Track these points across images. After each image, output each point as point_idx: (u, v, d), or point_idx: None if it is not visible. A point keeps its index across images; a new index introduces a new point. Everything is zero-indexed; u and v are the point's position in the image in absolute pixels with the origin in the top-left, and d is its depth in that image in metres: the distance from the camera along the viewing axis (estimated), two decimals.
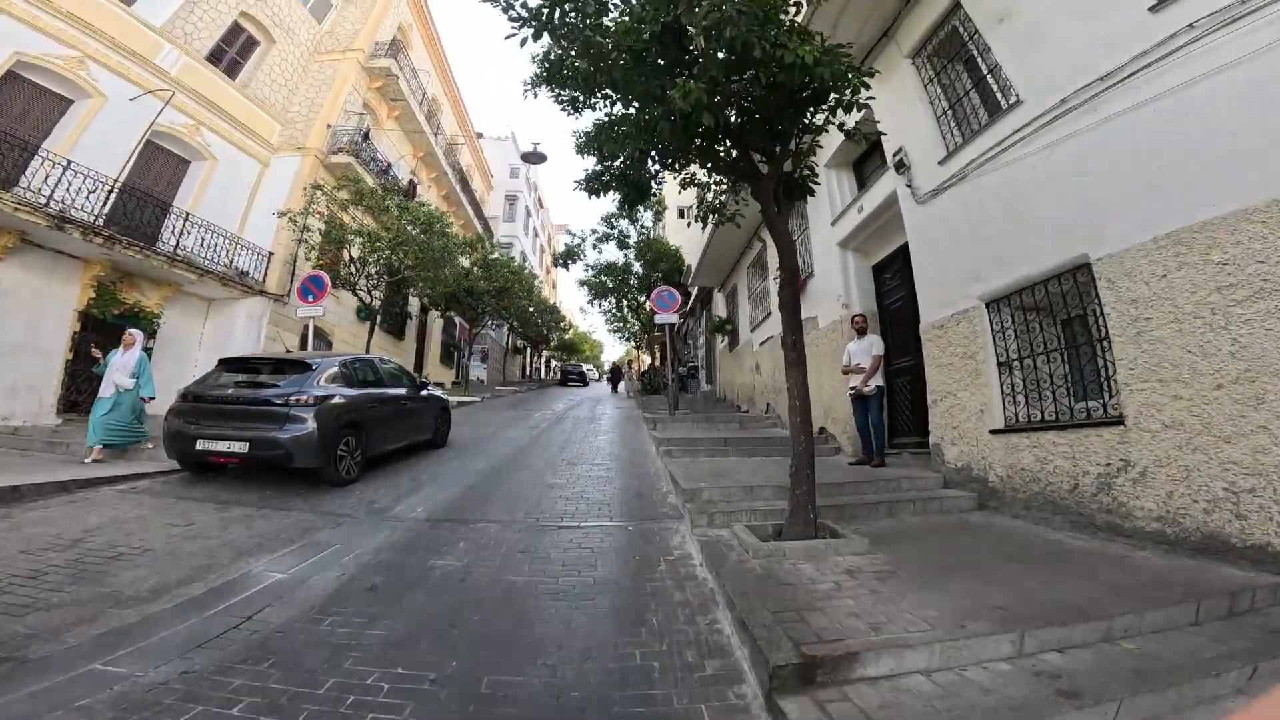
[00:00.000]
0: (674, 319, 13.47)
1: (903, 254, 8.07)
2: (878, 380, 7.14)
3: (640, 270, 20.87)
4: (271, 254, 13.39)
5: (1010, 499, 5.42)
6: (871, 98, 4.72)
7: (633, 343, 41.92)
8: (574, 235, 20.40)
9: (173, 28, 13.10)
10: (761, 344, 13.22)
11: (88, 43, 11.12)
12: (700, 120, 4.13)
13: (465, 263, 20.84)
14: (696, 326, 23.98)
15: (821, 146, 5.71)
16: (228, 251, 12.72)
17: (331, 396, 6.51)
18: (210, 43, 13.97)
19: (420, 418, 8.72)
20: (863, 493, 6.02)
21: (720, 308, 18.63)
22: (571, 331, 54.82)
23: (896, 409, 8.22)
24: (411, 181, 20.53)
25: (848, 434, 8.44)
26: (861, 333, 7.40)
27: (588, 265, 19.99)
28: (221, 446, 6.09)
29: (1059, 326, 5.19)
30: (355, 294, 12.97)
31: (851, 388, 7.33)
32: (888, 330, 8.51)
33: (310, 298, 10.98)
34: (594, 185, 7.11)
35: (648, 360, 44.74)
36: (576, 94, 6.96)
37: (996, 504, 5.57)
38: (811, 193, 5.49)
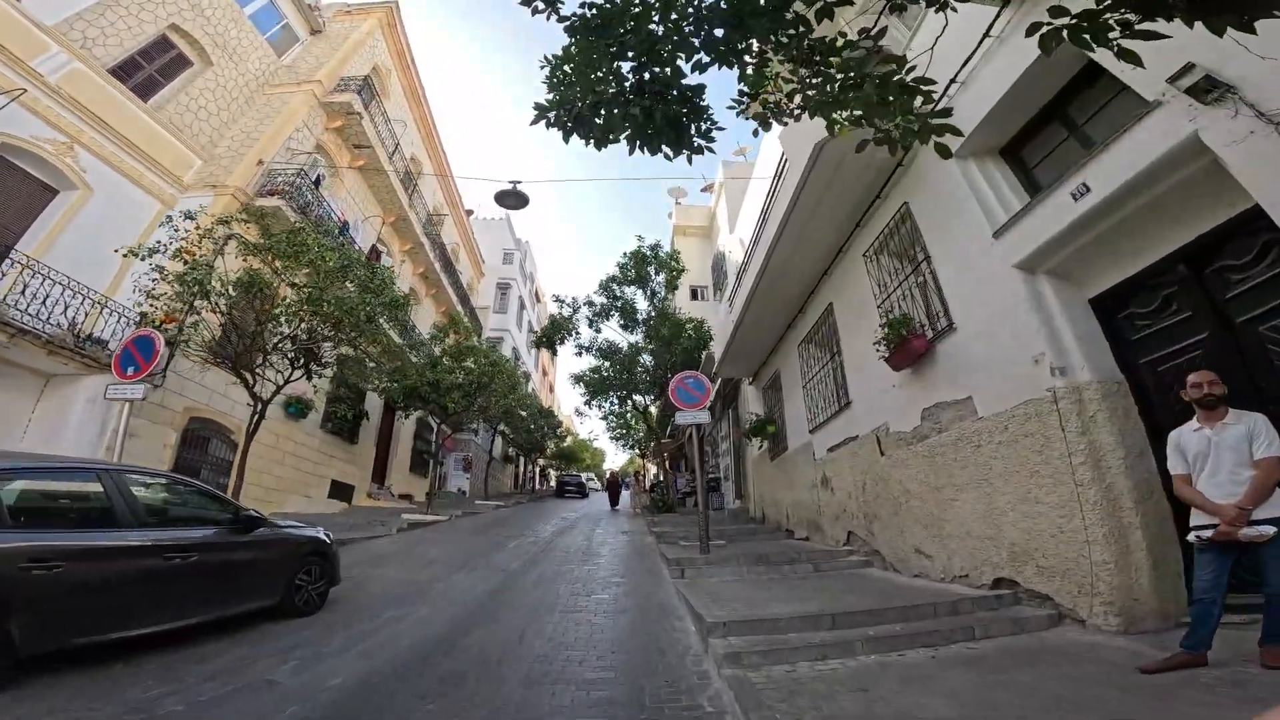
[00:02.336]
0: (704, 418, 9.47)
1: (1176, 264, 4.29)
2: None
3: (650, 361, 17.04)
4: (144, 315, 9.60)
5: None
6: None
7: (637, 450, 37.64)
8: (563, 303, 15.75)
9: (69, 28, 10.36)
10: (833, 449, 9.13)
11: None
12: None
13: (436, 350, 17.13)
14: (716, 429, 19.87)
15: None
16: (73, 310, 8.98)
17: None
18: (120, 54, 11.19)
19: (241, 574, 4.63)
20: None
21: (752, 404, 14.67)
22: (570, 439, 50.56)
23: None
24: (375, 248, 17.23)
25: (1100, 596, 4.24)
26: (1210, 409, 3.34)
27: (581, 346, 15.40)
28: None
29: None
30: (239, 374, 8.87)
31: (1203, 528, 3.23)
32: (1152, 408, 4.52)
33: (131, 370, 7.07)
34: (580, 112, 3.54)
35: (653, 470, 40.01)
36: None
37: None
38: None
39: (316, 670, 3.99)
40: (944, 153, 3.09)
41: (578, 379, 19.57)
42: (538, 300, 46.03)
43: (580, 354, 14.71)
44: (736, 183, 18.74)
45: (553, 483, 39.35)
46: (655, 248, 14.13)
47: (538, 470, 44.93)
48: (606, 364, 16.20)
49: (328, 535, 5.87)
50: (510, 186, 11.48)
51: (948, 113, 3.03)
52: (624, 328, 14.96)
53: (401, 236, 19.69)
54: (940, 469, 6.07)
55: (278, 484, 12.96)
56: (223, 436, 11.67)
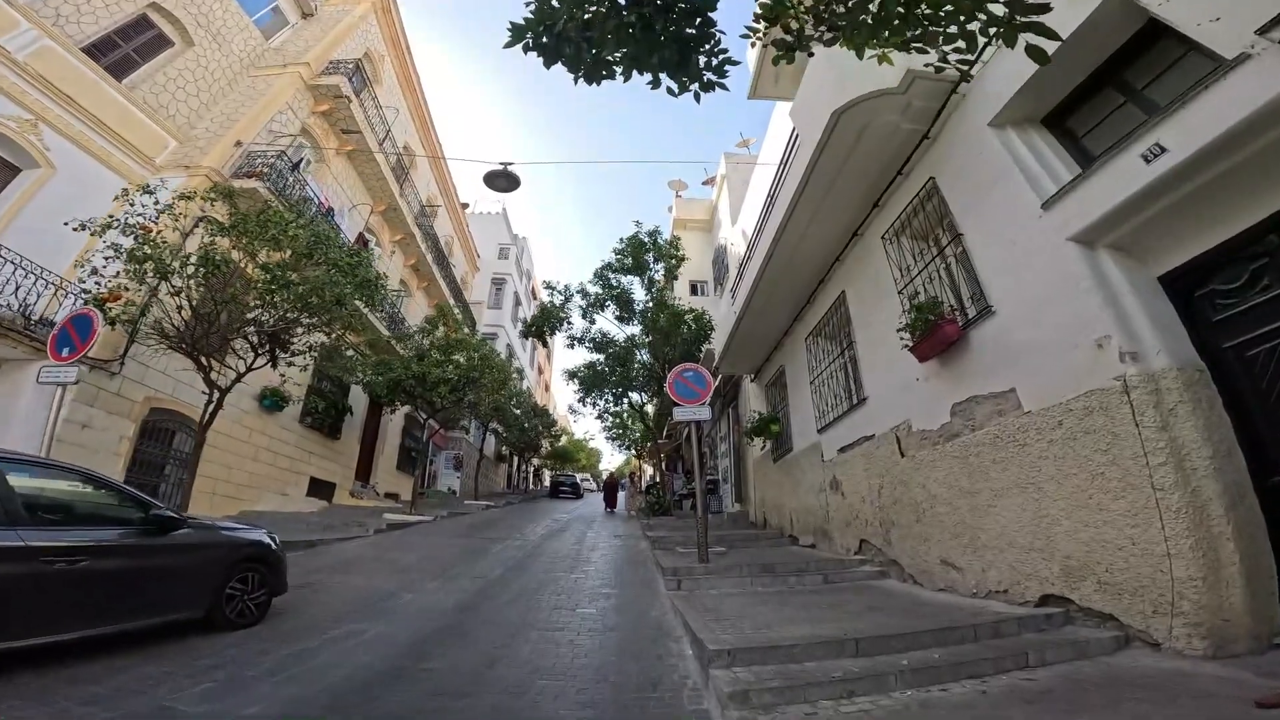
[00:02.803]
0: (704, 414, 8.71)
1: (1267, 233, 3.64)
2: None
3: (647, 358, 16.23)
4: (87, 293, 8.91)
5: None
6: None
7: (633, 451, 36.94)
8: (554, 290, 14.44)
9: (43, 6, 9.83)
10: (845, 450, 8.43)
11: None
12: None
13: (424, 342, 16.40)
14: (715, 429, 19.16)
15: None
16: (25, 290, 8.29)
17: None
18: (97, 31, 10.63)
19: (150, 582, 4.01)
20: None
21: (754, 402, 13.97)
22: (565, 439, 49.83)
23: None
24: (362, 236, 16.50)
25: (1183, 616, 3.55)
26: None
27: (573, 337, 14.16)
28: None
29: None
30: (194, 359, 8.03)
31: None
32: (1239, 399, 3.83)
33: (66, 351, 6.36)
34: (563, 31, 2.77)
35: (649, 471, 39.15)
36: None
37: None
38: None
39: (232, 697, 3.28)
40: (1040, 58, 2.43)
41: (571, 375, 18.79)
42: (534, 297, 45.28)
43: (572, 345, 13.55)
44: (739, 175, 18.10)
45: (547, 483, 38.55)
46: (654, 234, 13.10)
47: (532, 470, 44.18)
48: (601, 358, 15.28)
49: (272, 538, 5.15)
50: (501, 167, 10.77)
51: (1044, 7, 2.35)
52: (620, 320, 13.90)
53: (392, 226, 19.04)
54: (975, 471, 5.36)
55: (250, 480, 12.22)
56: (189, 429, 10.91)
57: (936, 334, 5.78)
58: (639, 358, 14.67)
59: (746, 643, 4.04)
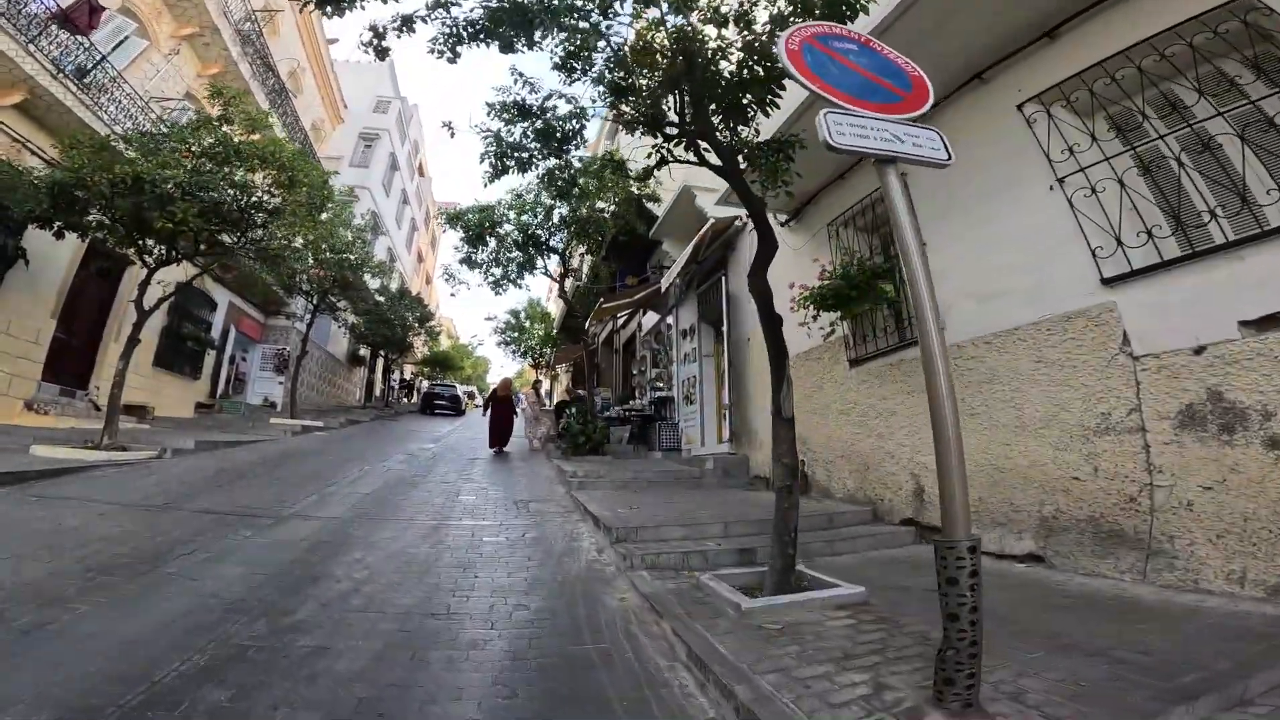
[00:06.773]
0: (935, 148, 2.35)
1: None
2: None
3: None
4: None
5: None
6: None
7: (530, 360, 30.26)
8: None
9: None
10: None
11: None
12: None
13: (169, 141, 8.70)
14: (666, 324, 12.90)
15: None
16: None
17: None
18: None
19: None
20: None
21: (784, 265, 7.81)
22: (448, 342, 42.46)
23: None
24: (90, 3, 8.43)
25: None
26: None
27: (456, 29, 5.08)
28: None
29: None
30: None
31: None
32: None
33: None
34: None
35: (545, 385, 32.66)
36: None
37: None
38: None
39: None
40: None
41: (454, 219, 11.77)
42: (420, 174, 36.25)
43: (452, 56, 5.06)
44: None
45: (421, 395, 30.93)
46: None
47: (400, 378, 36.27)
48: (515, 108, 6.72)
49: None
50: None
51: None
52: (565, 68, 5.35)
53: (177, 16, 12.14)
54: None
55: None
56: None
57: None
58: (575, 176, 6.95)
59: None
